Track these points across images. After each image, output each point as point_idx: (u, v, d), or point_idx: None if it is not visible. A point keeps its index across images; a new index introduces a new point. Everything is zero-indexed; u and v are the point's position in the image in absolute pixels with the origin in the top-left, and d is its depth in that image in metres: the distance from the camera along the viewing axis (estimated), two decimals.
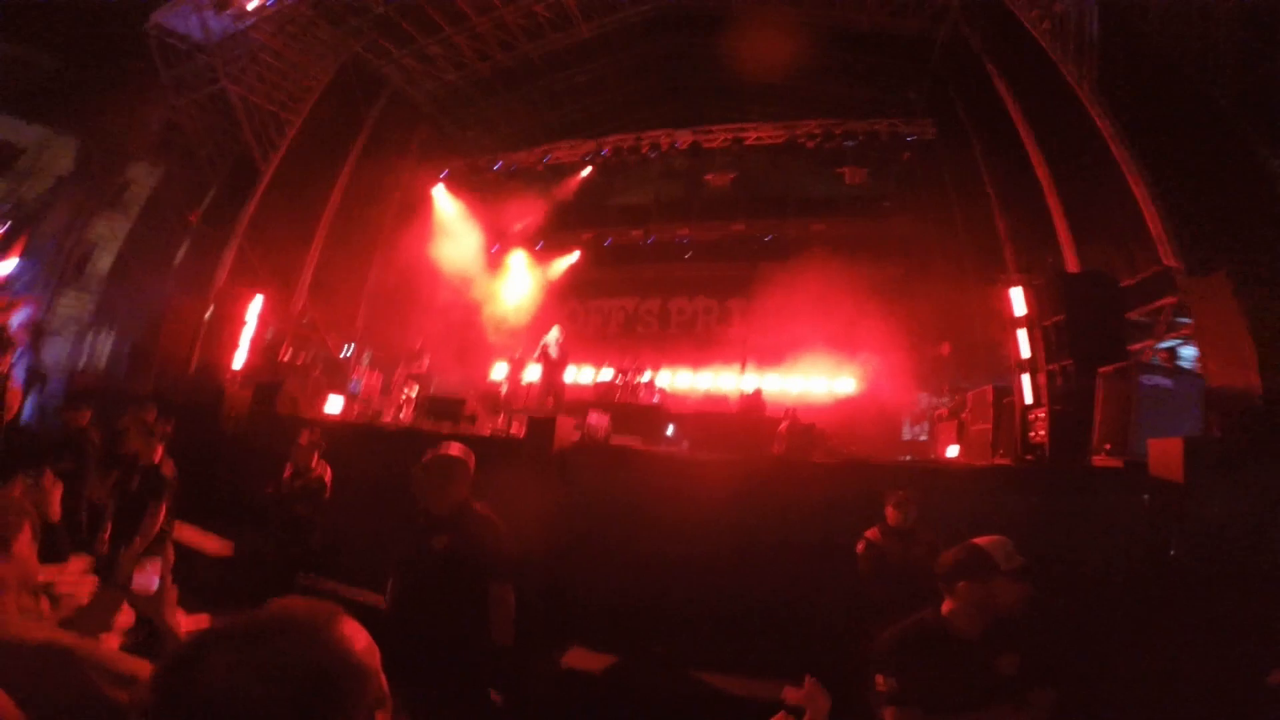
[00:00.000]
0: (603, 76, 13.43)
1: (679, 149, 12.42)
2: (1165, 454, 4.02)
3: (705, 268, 13.56)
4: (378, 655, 0.81)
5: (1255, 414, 4.87)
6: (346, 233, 12.91)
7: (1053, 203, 8.30)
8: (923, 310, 10.57)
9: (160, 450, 3.78)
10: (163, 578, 1.57)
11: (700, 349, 12.64)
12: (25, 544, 1.35)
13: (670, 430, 8.33)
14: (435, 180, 13.80)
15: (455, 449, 2.74)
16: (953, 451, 7.48)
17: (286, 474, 4.68)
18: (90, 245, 14.93)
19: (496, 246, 13.90)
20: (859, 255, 11.32)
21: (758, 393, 8.62)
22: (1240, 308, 5.68)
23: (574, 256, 14.17)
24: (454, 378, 11.63)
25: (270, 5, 10.83)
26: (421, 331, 12.00)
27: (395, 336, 12.29)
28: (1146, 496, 4.02)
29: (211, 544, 4.45)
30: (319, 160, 12.44)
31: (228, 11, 10.74)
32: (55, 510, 2.16)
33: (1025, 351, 6.34)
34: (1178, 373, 5.93)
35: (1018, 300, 6.52)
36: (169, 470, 3.70)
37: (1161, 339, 7.22)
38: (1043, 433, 5.78)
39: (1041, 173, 8.46)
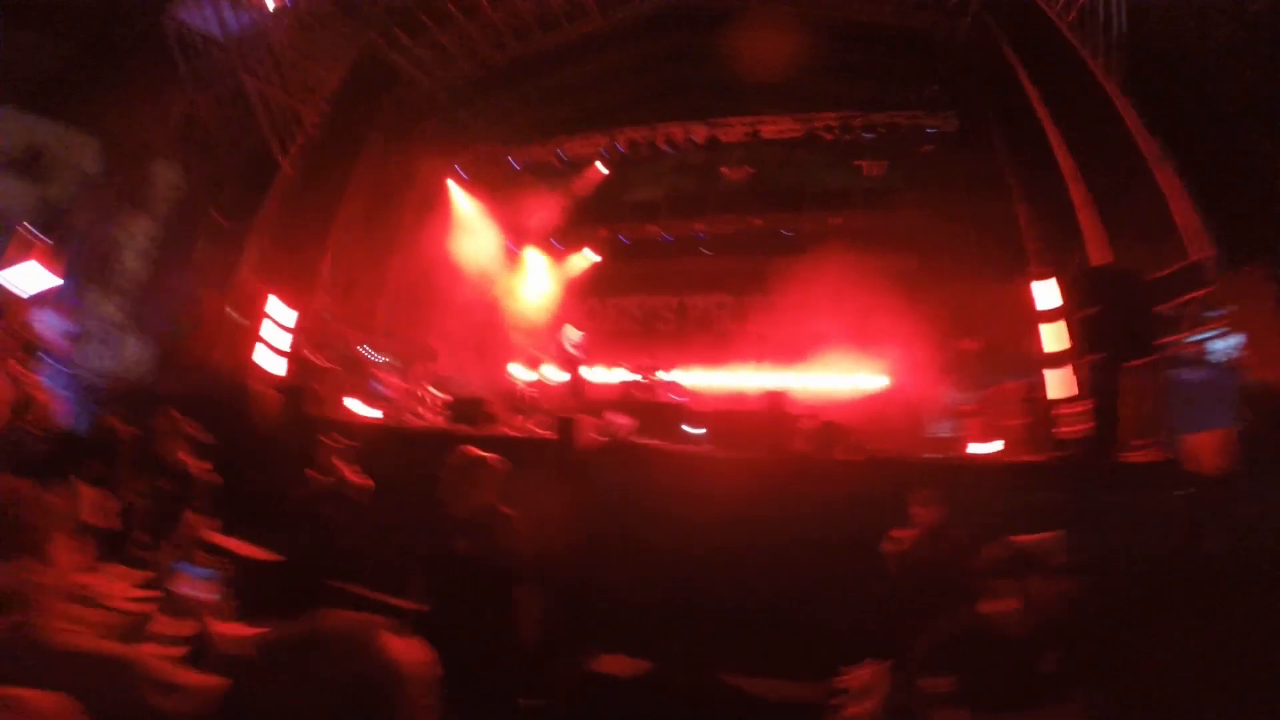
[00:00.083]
0: (616, 69, 13.35)
1: (694, 142, 12.32)
2: (1201, 448, 3.92)
3: (722, 263, 13.47)
4: (425, 667, 0.83)
5: None
6: (365, 229, 12.98)
7: (1078, 196, 8.11)
8: (946, 304, 10.40)
9: (192, 453, 3.85)
10: (202, 584, 1.60)
11: (719, 346, 12.57)
12: (64, 550, 1.37)
13: (692, 429, 8.30)
14: (451, 174, 13.83)
15: (479, 451, 2.76)
16: (981, 448, 7.36)
17: (314, 476, 4.75)
18: (116, 246, 15.29)
19: (514, 244, 13.93)
20: (879, 249, 11.17)
21: (780, 390, 8.56)
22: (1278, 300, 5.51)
23: (591, 254, 14.16)
24: (474, 377, 11.69)
25: None
26: (441, 331, 12.09)
27: (416, 335, 12.38)
28: (1181, 492, 3.93)
29: (243, 548, 4.52)
30: (336, 154, 12.51)
31: (246, 5, 10.83)
32: (92, 515, 2.20)
33: (1053, 346, 6.22)
34: (1210, 366, 5.78)
35: (1044, 294, 6.40)
36: (201, 473, 3.77)
37: (1192, 333, 7.05)
38: (1073, 428, 5.67)
39: (1066, 166, 8.27)
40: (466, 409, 7.82)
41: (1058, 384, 6.06)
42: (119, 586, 1.79)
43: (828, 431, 6.88)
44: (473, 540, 2.58)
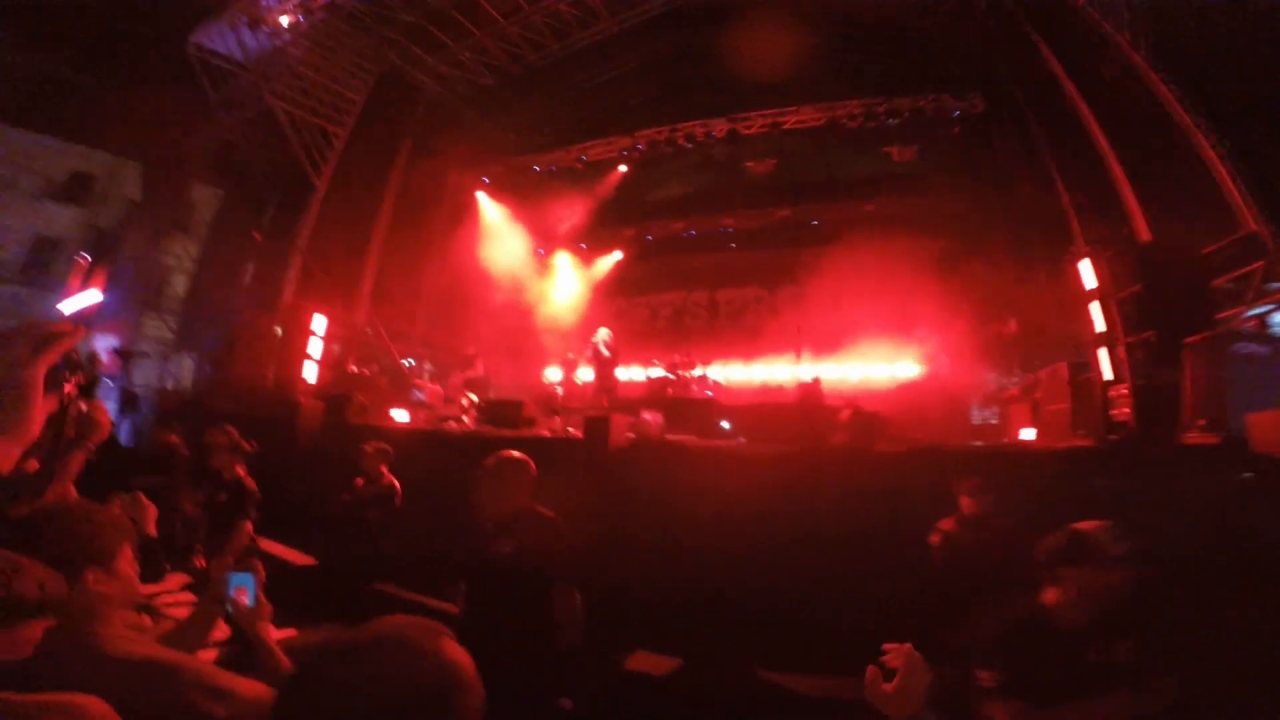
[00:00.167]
0: (631, 71, 13.38)
1: (716, 138, 12.23)
2: (1269, 428, 3.71)
3: (752, 256, 13.35)
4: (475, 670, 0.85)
5: None
6: (400, 242, 13.32)
7: (1117, 172, 7.80)
8: (984, 288, 10.11)
9: (243, 466, 4.00)
10: (255, 592, 1.65)
11: (752, 339, 12.45)
12: (127, 562, 1.43)
13: (726, 424, 8.24)
14: (479, 185, 14.06)
15: (516, 453, 2.79)
16: (1027, 434, 7.12)
17: (358, 483, 4.88)
18: (165, 269, 15.99)
19: (542, 249, 14.06)
20: (912, 234, 10.89)
21: (815, 381, 8.42)
22: None
23: (617, 254, 14.21)
24: (510, 381, 11.85)
25: (303, 21, 11.22)
26: (475, 337, 12.29)
27: (452, 343, 12.61)
28: (1248, 475, 3.73)
29: (293, 555, 4.68)
30: (368, 171, 12.87)
31: (263, 29, 11.15)
32: (152, 527, 2.29)
33: (1101, 325, 5.97)
34: (1271, 340, 5.47)
35: (1090, 273, 6.14)
36: (252, 484, 3.91)
37: (1251, 306, 6.68)
38: (1127, 410, 5.42)
39: (1102, 142, 7.97)
40: (503, 412, 7.92)
41: (1109, 365, 5.81)
42: (177, 595, 1.87)
43: (868, 422, 6.74)
44: (510, 542, 2.61)
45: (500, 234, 13.66)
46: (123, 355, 10.36)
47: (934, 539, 3.64)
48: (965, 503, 3.63)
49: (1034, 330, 9.16)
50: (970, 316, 9.67)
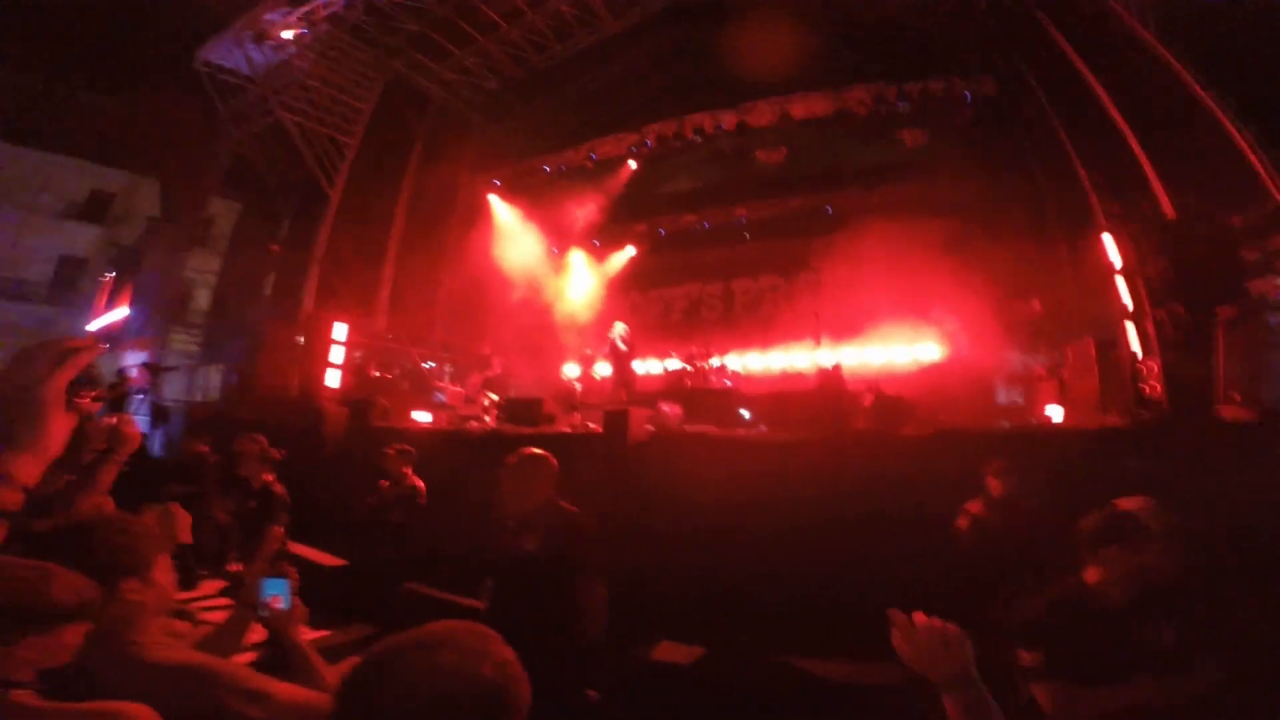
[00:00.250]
0: (637, 68, 13.36)
1: (724, 130, 12.13)
2: None
3: (766, 245, 13.24)
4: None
5: None
6: (415, 248, 13.46)
7: (1136, 148, 7.62)
8: (1005, 267, 9.91)
9: (272, 473, 4.08)
10: (289, 596, 1.68)
11: (769, 328, 12.38)
12: (164, 570, 1.46)
13: (746, 414, 8.20)
14: (490, 188, 14.14)
15: (537, 450, 2.81)
16: (1055, 413, 6.98)
17: (383, 485, 4.95)
18: (188, 283, 16.33)
19: (556, 248, 14.11)
20: (929, 217, 10.72)
21: (836, 367, 8.33)
22: None
23: (630, 250, 14.20)
24: (529, 379, 11.92)
25: (306, 34, 11.32)
26: (493, 338, 12.38)
27: (470, 344, 12.73)
28: None
29: (323, 559, 4.76)
30: (379, 179, 13.02)
31: (267, 43, 11.28)
32: (186, 535, 2.33)
33: (1129, 300, 5.82)
34: None
35: (1114, 248, 6.00)
36: (281, 490, 3.99)
37: None
38: (1157, 385, 5.29)
39: (1118, 119, 7.79)
40: (523, 410, 7.97)
41: (1138, 339, 5.68)
42: (212, 601, 1.91)
43: (891, 406, 6.67)
44: (533, 537, 2.63)
45: (514, 235, 13.72)
46: (152, 370, 10.59)
47: (962, 522, 3.59)
48: (993, 484, 3.58)
49: (1058, 307, 8.98)
50: (991, 297, 9.50)
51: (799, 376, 11.41)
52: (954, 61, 10.84)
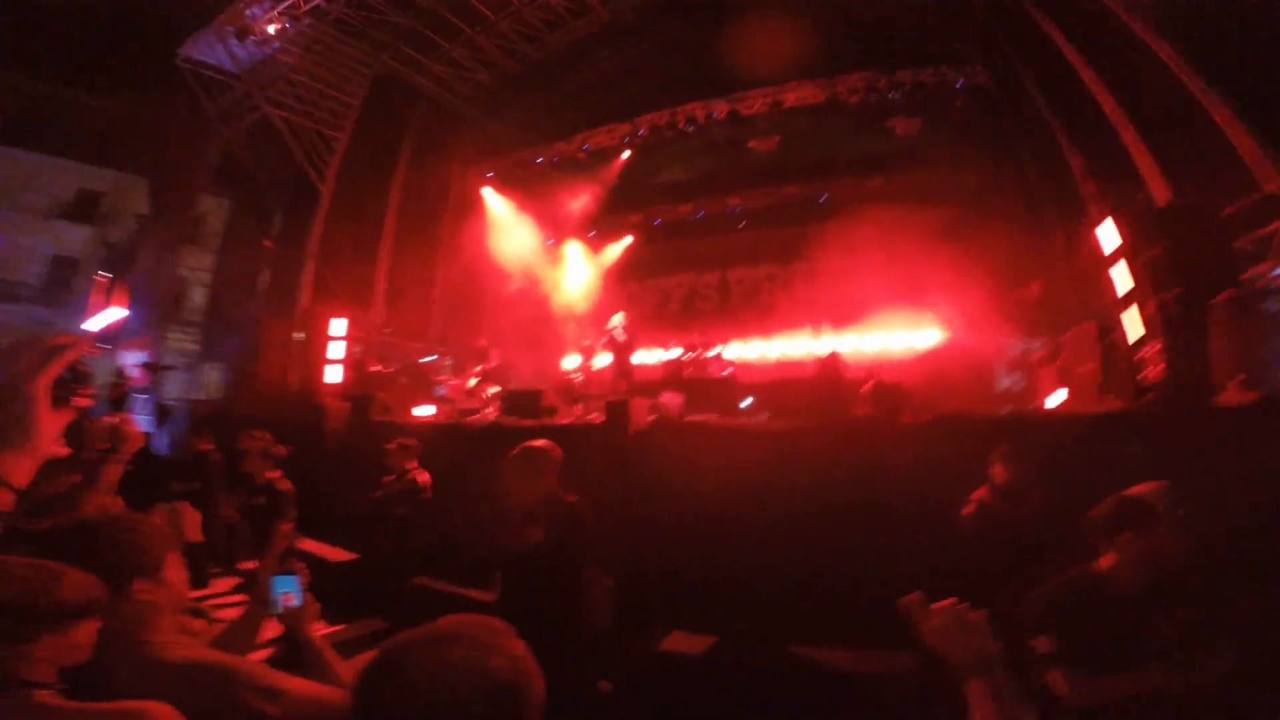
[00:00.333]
0: (628, 59, 13.24)
1: (717, 120, 12.09)
2: None
3: (762, 234, 13.22)
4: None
5: None
6: (410, 242, 13.39)
7: (1128, 137, 7.63)
8: (1001, 254, 9.91)
9: (277, 468, 4.08)
10: (300, 592, 1.68)
11: (767, 317, 12.38)
12: (175, 569, 1.46)
13: (746, 402, 8.22)
14: (484, 181, 14.07)
15: (540, 442, 2.81)
16: (1056, 398, 6.99)
17: (386, 480, 4.95)
18: (182, 281, 16.22)
19: (551, 239, 14.06)
20: (923, 205, 10.70)
21: (835, 355, 8.34)
22: None
23: (627, 240, 14.16)
24: (528, 372, 11.92)
25: (289, 28, 11.16)
26: (489, 330, 12.35)
27: (469, 337, 12.71)
28: None
29: (331, 554, 4.77)
30: (371, 174, 12.91)
31: (251, 38, 11.10)
32: (197, 533, 2.34)
33: (1125, 286, 5.83)
34: None
35: (1111, 234, 5.99)
36: (287, 487, 3.98)
37: (1277, 265, 6.53)
38: (1157, 369, 5.30)
39: (1110, 108, 7.78)
40: (523, 403, 7.97)
41: (1135, 325, 5.68)
42: (223, 598, 1.91)
43: (890, 393, 6.68)
44: (538, 529, 2.64)
45: (509, 227, 13.67)
46: (151, 369, 10.56)
47: (968, 510, 3.59)
48: (998, 472, 3.57)
49: (1055, 293, 8.99)
50: (989, 282, 9.51)
51: (798, 365, 11.42)
52: (946, 51, 10.80)
